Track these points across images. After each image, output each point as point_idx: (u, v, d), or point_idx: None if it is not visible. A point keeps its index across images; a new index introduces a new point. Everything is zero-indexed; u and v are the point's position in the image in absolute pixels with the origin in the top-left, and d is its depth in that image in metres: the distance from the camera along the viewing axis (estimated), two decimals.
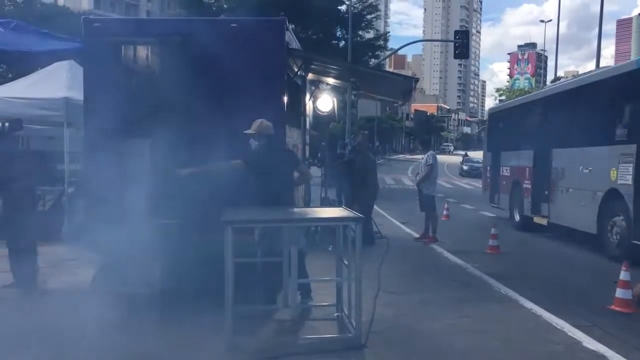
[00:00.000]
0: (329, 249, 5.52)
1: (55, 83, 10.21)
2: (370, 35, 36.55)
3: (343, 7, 33.67)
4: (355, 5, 32.07)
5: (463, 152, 60.44)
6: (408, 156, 76.85)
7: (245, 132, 6.02)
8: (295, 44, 7.89)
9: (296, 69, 8.03)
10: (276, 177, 5.83)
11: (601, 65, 47.56)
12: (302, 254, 5.89)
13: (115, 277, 5.98)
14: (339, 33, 34.66)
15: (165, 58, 7.90)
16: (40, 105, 9.69)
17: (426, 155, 11.06)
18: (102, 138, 6.63)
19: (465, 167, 42.54)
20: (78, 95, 8.02)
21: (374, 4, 34.86)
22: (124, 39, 6.80)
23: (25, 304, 6.08)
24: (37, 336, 5.10)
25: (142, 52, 7.75)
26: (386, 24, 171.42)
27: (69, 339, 5.07)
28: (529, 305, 6.55)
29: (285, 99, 6.80)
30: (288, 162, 6.10)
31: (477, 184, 34.17)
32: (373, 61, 33.95)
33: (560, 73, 69.15)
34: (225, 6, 31.55)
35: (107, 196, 6.45)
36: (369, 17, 34.17)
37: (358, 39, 33.58)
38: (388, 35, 44.70)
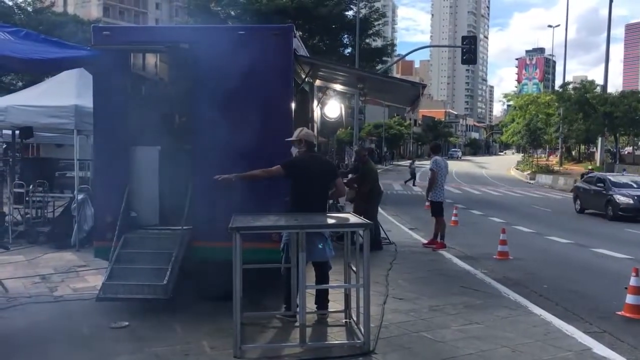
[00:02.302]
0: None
1: (65, 91, 10.29)
2: (377, 43, 36.56)
3: (350, 13, 33.78)
4: (362, 11, 32.12)
5: (620, 171, 33.86)
6: (417, 162, 76.54)
7: (287, 139, 6.06)
8: (302, 51, 7.91)
9: (304, 76, 8.05)
10: (314, 184, 5.81)
11: (610, 69, 47.39)
12: (327, 266, 5.87)
13: (123, 284, 5.99)
14: (345, 40, 34.80)
15: (173, 65, 7.98)
16: (50, 113, 9.77)
17: (430, 162, 11.02)
18: (112, 145, 6.66)
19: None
20: (88, 103, 8.08)
21: (380, 10, 34.92)
22: (133, 47, 6.84)
23: (35, 310, 6.10)
24: (46, 341, 5.13)
25: (151, 59, 7.82)
26: (393, 30, 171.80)
27: (77, 345, 5.10)
28: (539, 311, 6.52)
29: (293, 105, 6.81)
30: (327, 172, 6.07)
31: (486, 188, 34.04)
32: (380, 67, 33.98)
33: (568, 78, 68.98)
34: (232, 13, 31.73)
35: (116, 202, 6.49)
36: (376, 24, 34.22)
37: (365, 46, 33.65)
38: (395, 44, 44.79)
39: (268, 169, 5.80)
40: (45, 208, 11.26)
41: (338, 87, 11.08)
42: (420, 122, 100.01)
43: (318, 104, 10.40)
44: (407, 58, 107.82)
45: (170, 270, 5.97)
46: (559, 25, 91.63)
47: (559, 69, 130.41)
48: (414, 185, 34.63)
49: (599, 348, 5.29)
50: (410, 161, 38.88)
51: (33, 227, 10.44)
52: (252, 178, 5.85)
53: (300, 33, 27.77)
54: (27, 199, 10.71)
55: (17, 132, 11.46)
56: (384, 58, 36.35)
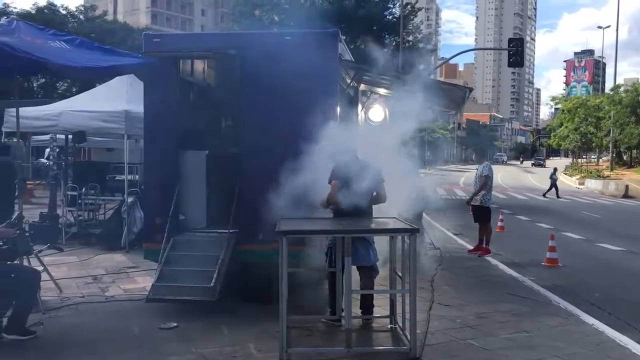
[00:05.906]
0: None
1: (116, 96, 10.61)
2: (418, 38, 36.34)
3: (392, 11, 33.75)
4: (402, 8, 32.00)
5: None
6: (460, 167, 75.42)
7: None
8: (347, 55, 7.91)
9: (349, 80, 8.05)
10: (356, 188, 5.80)
11: None
12: (373, 270, 5.90)
13: (172, 285, 6.11)
14: (387, 40, 34.64)
15: (221, 71, 8.11)
16: (101, 117, 10.08)
17: (481, 166, 10.78)
18: (161, 149, 6.81)
19: None
20: (137, 108, 8.29)
21: (415, 5, 34.62)
22: (183, 54, 6.99)
23: (87, 310, 6.29)
24: (97, 340, 5.28)
25: (199, 65, 7.97)
26: (437, 33, 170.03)
27: (127, 344, 5.23)
28: (591, 320, 6.33)
29: (339, 110, 6.83)
30: (371, 178, 5.97)
31: (532, 193, 33.13)
32: (422, 67, 33.69)
33: (619, 80, 66.28)
34: (276, 19, 32.04)
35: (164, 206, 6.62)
36: (412, 17, 34.08)
37: (406, 45, 33.39)
38: (438, 37, 44.26)
39: (330, 192, 5.79)
40: (96, 210, 11.60)
41: (382, 91, 11.04)
42: (464, 125, 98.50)
43: (362, 108, 10.38)
44: (451, 61, 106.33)
45: (217, 273, 6.06)
46: (609, 27, 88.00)
47: (609, 70, 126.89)
48: (557, 196, 29.22)
49: None
50: (553, 170, 31.53)
51: (85, 229, 10.77)
52: (330, 203, 5.85)
53: (344, 37, 27.82)
54: (79, 201, 11.06)
55: (70, 136, 11.86)
56: (426, 58, 36.02)
